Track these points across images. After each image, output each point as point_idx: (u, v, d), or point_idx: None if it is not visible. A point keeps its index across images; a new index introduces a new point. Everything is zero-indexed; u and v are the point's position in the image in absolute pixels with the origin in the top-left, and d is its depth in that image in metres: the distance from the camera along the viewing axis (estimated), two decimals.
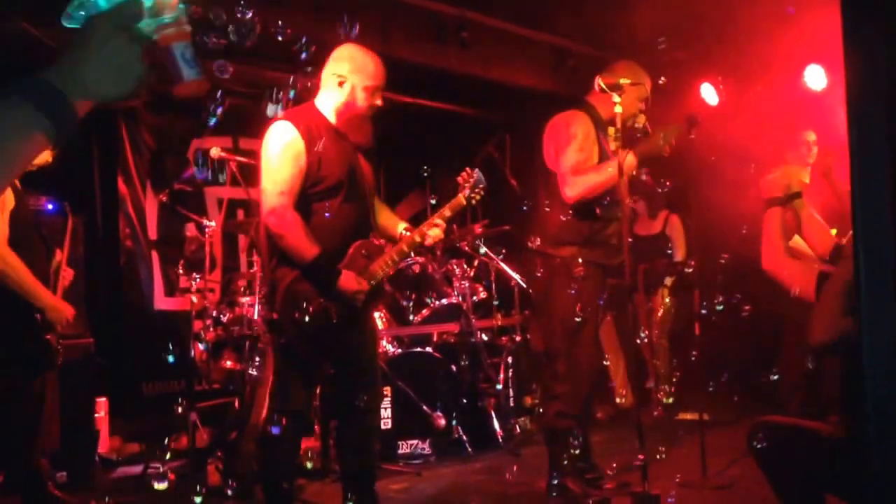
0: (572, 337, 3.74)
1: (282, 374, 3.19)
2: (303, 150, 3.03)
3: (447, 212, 3.30)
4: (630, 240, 3.78)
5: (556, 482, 3.78)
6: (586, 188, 3.64)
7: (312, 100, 3.22)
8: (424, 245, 3.30)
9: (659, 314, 5.96)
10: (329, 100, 3.18)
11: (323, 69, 3.19)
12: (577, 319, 3.70)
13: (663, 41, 3.64)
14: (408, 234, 3.28)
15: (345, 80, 3.13)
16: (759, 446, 2.52)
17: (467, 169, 3.37)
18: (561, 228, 3.76)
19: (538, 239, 3.83)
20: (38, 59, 4.78)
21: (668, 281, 5.95)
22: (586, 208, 3.71)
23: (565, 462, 3.77)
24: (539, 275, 3.86)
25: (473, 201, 3.36)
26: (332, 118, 3.17)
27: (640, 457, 3.42)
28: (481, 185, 3.35)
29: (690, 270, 5.78)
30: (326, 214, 3.06)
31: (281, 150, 3.02)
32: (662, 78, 3.70)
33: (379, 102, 3.19)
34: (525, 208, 4.31)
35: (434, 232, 3.26)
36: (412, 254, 5.10)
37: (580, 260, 3.71)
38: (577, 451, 3.80)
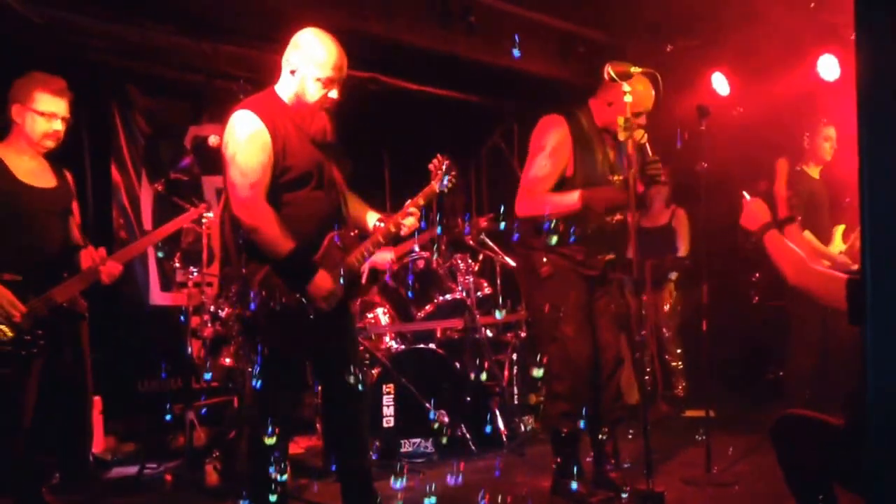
0: (553, 335, 3.68)
1: (261, 376, 3.03)
2: (269, 141, 2.88)
3: (420, 200, 3.21)
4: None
5: (561, 482, 3.72)
6: (533, 211, 3.63)
7: (272, 86, 3.06)
8: (400, 235, 3.21)
9: (666, 309, 5.87)
10: (285, 88, 3.03)
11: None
12: (550, 318, 3.64)
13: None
14: (382, 224, 3.18)
15: (295, 69, 2.98)
16: (778, 438, 2.58)
17: (438, 156, 3.27)
18: (525, 232, 3.76)
19: (516, 238, 3.82)
20: (23, 38, 4.62)
21: (674, 275, 5.87)
22: (538, 226, 3.66)
23: (570, 462, 3.71)
24: (520, 272, 3.86)
25: (446, 189, 3.27)
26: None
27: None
28: (452, 173, 3.26)
29: (686, 264, 5.71)
30: (295, 205, 2.94)
31: (247, 141, 2.87)
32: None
33: (333, 96, 3.00)
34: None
35: (409, 221, 3.16)
36: (417, 248, 5.05)
37: (545, 259, 3.66)
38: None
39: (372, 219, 3.23)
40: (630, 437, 4.47)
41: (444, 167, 3.23)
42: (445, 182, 3.24)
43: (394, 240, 3.42)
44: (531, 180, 3.66)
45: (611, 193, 3.63)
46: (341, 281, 2.99)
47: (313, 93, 2.98)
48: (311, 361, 3.11)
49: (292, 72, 2.98)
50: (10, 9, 4.28)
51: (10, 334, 3.25)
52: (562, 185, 3.66)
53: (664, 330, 5.88)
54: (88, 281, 3.53)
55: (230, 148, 2.91)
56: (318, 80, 2.96)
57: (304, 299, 2.91)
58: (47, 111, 3.47)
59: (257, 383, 3.04)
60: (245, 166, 2.87)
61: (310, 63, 2.95)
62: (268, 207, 2.88)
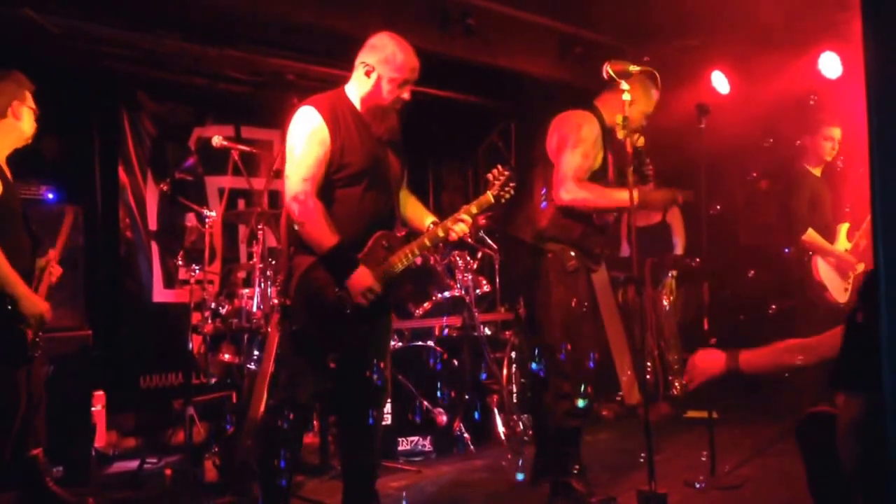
0: (573, 333, 3.68)
1: (290, 364, 3.14)
2: (327, 137, 2.99)
3: (474, 208, 3.20)
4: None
5: (561, 482, 3.70)
6: (582, 201, 3.61)
7: (343, 85, 3.17)
8: (448, 240, 3.22)
9: (666, 307, 5.85)
10: (356, 87, 3.13)
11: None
12: (576, 314, 3.65)
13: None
14: (433, 227, 3.20)
15: (372, 69, 3.06)
16: (804, 438, 2.48)
17: (499, 166, 3.24)
18: (551, 225, 3.71)
19: (526, 231, 3.76)
20: (41, 46, 4.71)
21: (673, 272, 5.85)
22: (584, 213, 3.67)
23: (572, 462, 3.70)
24: (530, 270, 3.79)
25: (503, 200, 3.24)
26: (358, 106, 3.12)
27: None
28: (512, 184, 3.23)
29: (695, 265, 5.68)
30: (347, 202, 3.01)
31: (306, 136, 2.98)
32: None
33: (406, 96, 3.11)
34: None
35: (459, 227, 3.17)
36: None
37: (572, 253, 3.67)
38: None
39: (427, 221, 3.26)
40: (641, 460, 4.42)
41: (503, 177, 3.21)
42: (502, 193, 3.22)
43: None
44: (578, 168, 3.60)
45: (661, 194, 3.73)
46: (382, 279, 3.03)
47: (388, 93, 3.07)
48: (339, 355, 3.12)
49: (368, 72, 3.06)
50: (29, 20, 4.38)
51: (31, 337, 3.32)
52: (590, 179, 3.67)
53: (665, 328, 5.86)
54: (49, 283, 3.54)
55: (290, 142, 3.02)
56: (394, 80, 3.06)
57: (343, 293, 2.97)
58: (35, 109, 3.52)
59: (285, 370, 3.13)
60: (301, 160, 2.97)
61: (388, 64, 3.05)
62: (317, 203, 2.97)
